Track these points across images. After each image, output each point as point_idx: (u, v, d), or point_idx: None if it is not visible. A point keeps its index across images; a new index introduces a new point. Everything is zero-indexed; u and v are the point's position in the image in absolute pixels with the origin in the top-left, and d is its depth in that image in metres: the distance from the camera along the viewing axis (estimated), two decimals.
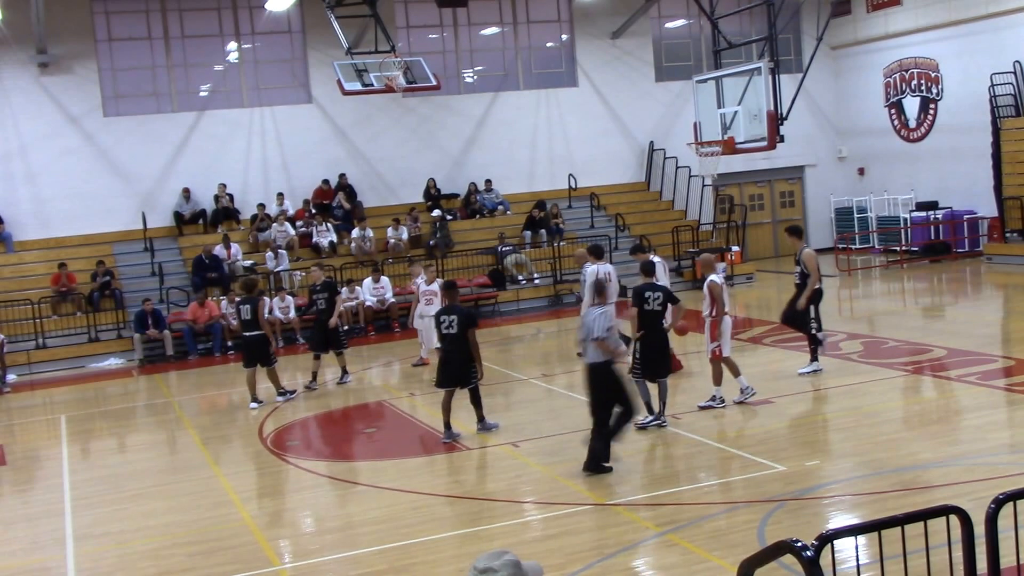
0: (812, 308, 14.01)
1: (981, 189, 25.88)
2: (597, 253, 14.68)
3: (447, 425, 12.33)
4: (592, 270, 14.16)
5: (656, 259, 13.93)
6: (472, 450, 11.96)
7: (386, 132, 26.53)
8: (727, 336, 12.70)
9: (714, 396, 12.79)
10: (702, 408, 12.70)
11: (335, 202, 25.56)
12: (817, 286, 13.88)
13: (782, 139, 20.13)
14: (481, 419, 12.62)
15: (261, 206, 24.95)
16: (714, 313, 12.59)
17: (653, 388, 12.09)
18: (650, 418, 12.01)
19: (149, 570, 8.84)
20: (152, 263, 23.46)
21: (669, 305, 12.11)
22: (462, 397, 12.45)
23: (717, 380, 12.80)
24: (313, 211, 25.12)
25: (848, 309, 21.81)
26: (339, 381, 16.47)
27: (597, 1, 27.60)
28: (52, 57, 23.85)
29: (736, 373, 12.82)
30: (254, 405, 15.08)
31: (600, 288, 11.08)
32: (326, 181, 25.71)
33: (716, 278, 12.69)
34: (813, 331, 14.15)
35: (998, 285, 22.89)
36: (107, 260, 22.98)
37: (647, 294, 11.97)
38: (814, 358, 14.29)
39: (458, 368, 12.17)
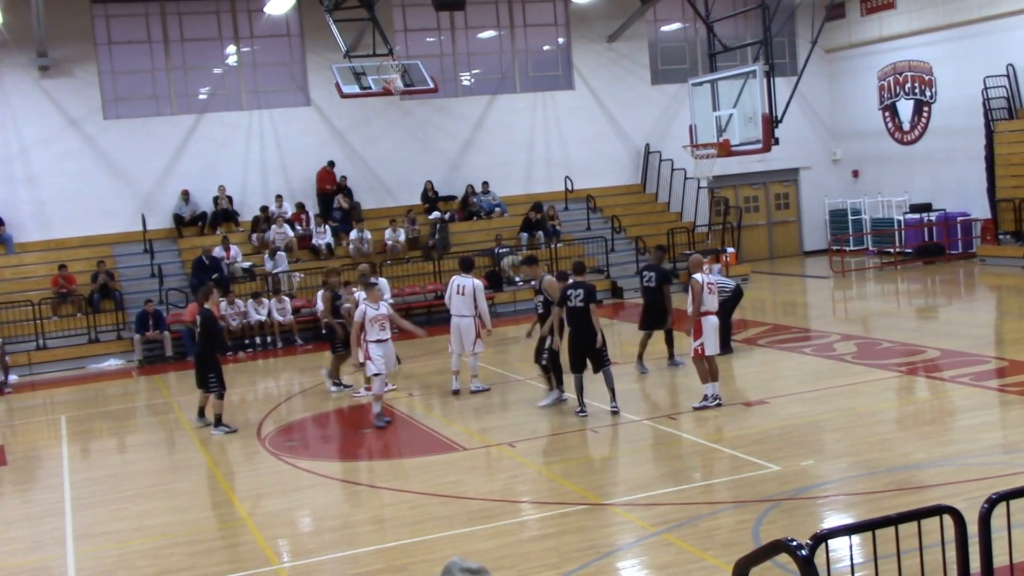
0: (549, 339, 13.67)
1: (974, 191, 26.01)
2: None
3: (671, 356, 15.76)
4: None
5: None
6: (469, 450, 12.05)
7: (384, 134, 26.61)
8: (710, 335, 12.78)
9: (706, 396, 12.88)
10: (697, 409, 12.80)
11: (335, 201, 25.56)
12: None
13: (777, 141, 20.19)
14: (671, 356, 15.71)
15: (264, 208, 25.03)
16: (690, 311, 12.82)
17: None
18: (581, 409, 12.96)
19: (148, 569, 8.90)
20: (152, 264, 23.54)
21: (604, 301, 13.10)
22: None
23: (704, 379, 12.92)
24: (313, 212, 25.25)
25: (842, 310, 21.94)
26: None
27: (593, 5, 27.69)
28: (52, 60, 23.90)
29: (705, 380, 12.88)
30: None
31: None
32: (331, 163, 25.79)
33: (698, 277, 12.87)
34: (544, 362, 13.89)
35: (991, 286, 22.99)
36: (107, 262, 23.05)
37: (569, 292, 12.87)
38: (552, 387, 13.96)
39: (655, 315, 15.39)
